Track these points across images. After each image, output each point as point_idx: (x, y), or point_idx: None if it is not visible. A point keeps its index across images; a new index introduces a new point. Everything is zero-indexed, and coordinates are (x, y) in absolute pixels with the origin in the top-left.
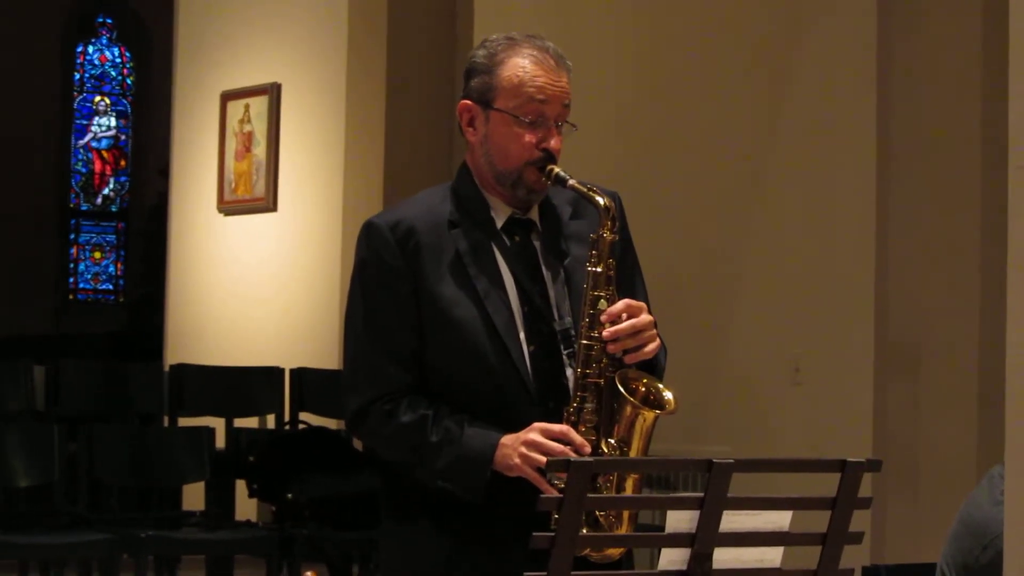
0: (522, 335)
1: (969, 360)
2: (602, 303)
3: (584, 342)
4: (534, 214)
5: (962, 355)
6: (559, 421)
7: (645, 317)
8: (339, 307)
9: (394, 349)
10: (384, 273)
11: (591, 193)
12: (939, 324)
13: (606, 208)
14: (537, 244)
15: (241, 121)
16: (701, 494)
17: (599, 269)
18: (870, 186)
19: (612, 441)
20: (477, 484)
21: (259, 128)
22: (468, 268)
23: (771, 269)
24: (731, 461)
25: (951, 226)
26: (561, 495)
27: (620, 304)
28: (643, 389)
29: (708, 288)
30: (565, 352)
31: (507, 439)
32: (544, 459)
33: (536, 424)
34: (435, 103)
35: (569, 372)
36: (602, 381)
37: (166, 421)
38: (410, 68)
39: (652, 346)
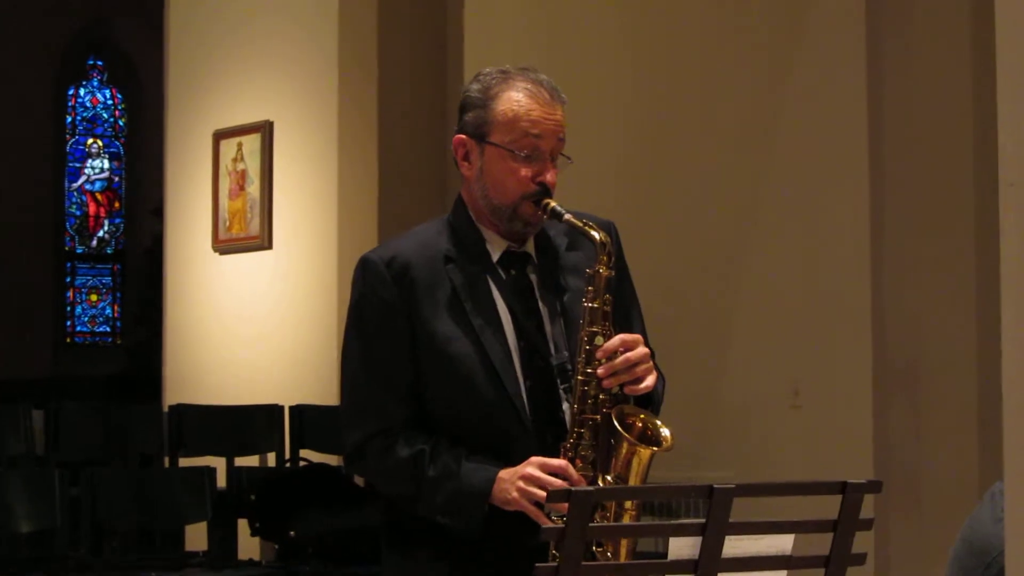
0: (519, 370)
1: (968, 378)
2: (598, 339)
3: (580, 378)
4: (530, 247)
5: (961, 373)
6: (557, 456)
7: (641, 350)
8: (336, 343)
9: (391, 384)
10: (380, 309)
11: (587, 228)
12: (937, 342)
13: (602, 243)
14: (533, 277)
15: (234, 159)
16: (703, 520)
17: (595, 305)
18: (863, 207)
19: (609, 478)
20: (475, 518)
21: (252, 166)
22: (464, 303)
23: (767, 294)
24: (732, 486)
25: (946, 243)
26: (562, 526)
27: (616, 339)
28: (640, 425)
29: (705, 314)
30: (562, 387)
31: (504, 473)
32: (542, 493)
33: (534, 458)
34: (427, 137)
35: (566, 406)
36: (598, 417)
37: (167, 462)
38: (401, 103)
39: (649, 380)
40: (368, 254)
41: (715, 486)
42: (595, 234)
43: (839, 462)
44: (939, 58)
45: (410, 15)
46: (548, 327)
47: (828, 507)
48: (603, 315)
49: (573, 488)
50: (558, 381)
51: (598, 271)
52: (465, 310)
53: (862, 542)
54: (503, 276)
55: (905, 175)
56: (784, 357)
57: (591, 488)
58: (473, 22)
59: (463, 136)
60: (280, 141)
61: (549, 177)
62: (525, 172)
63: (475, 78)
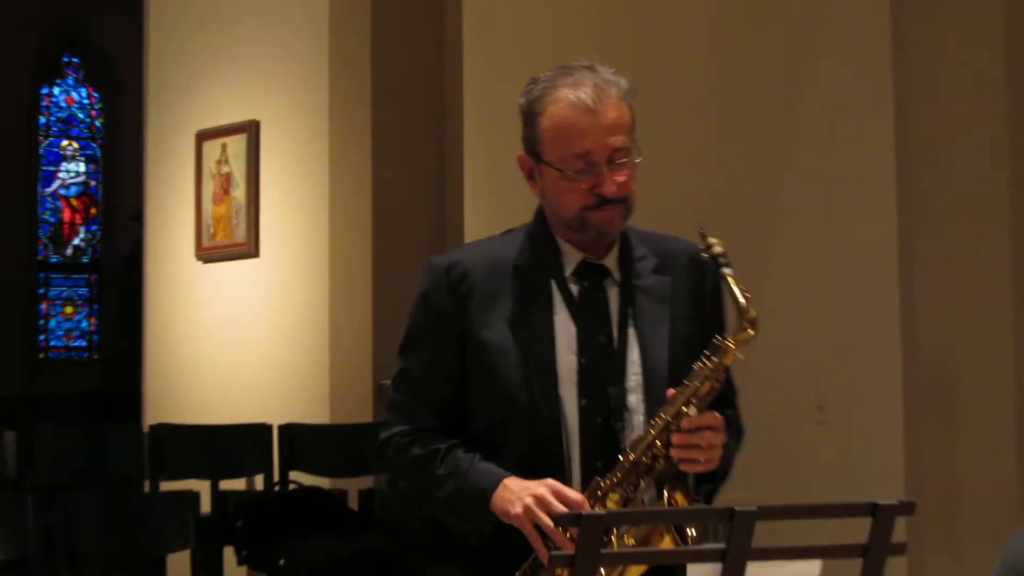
0: (575, 388)
1: (1005, 390)
2: (692, 408)
3: (652, 432)
4: (611, 261)
5: (998, 384)
6: (588, 486)
7: (721, 437)
8: (328, 358)
9: (421, 397)
10: (428, 317)
11: (736, 294)
12: (971, 352)
13: (750, 319)
14: (610, 293)
15: (218, 162)
16: (723, 545)
17: (707, 376)
18: (890, 208)
19: (626, 541)
20: (477, 518)
21: (238, 169)
22: (521, 315)
23: (789, 303)
24: (754, 509)
25: (980, 247)
26: (571, 552)
27: (709, 416)
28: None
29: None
30: (616, 423)
31: (512, 482)
32: (548, 521)
33: (550, 481)
34: (425, 137)
35: (626, 433)
36: (643, 482)
37: (147, 486)
38: (397, 101)
39: (712, 464)
40: (432, 259)
41: (736, 508)
42: (743, 301)
43: (868, 482)
44: (970, 48)
45: (406, 7)
46: (616, 348)
47: (857, 530)
48: (709, 392)
49: (583, 513)
50: (612, 415)
51: (728, 345)
52: (521, 322)
53: (894, 568)
54: (573, 289)
55: (935, 175)
56: (808, 370)
57: (603, 512)
58: (472, 17)
59: (524, 155)
60: (267, 142)
61: (607, 188)
62: (583, 186)
63: (525, 87)
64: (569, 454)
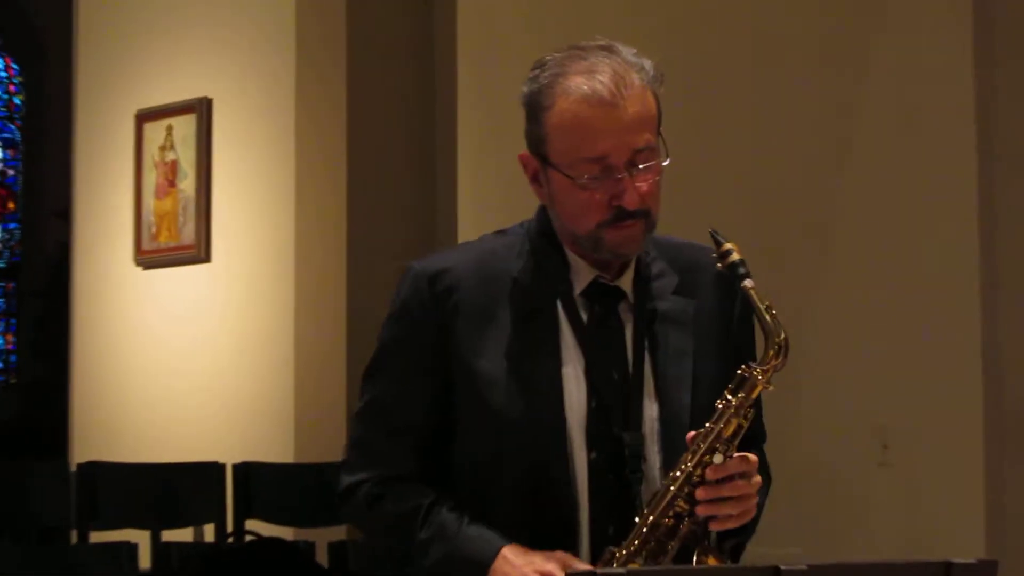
0: (582, 438)
1: None
2: (717, 456)
3: (671, 486)
4: (626, 281)
5: None
6: (601, 557)
7: (755, 482)
8: (292, 384)
9: (396, 432)
10: (410, 334)
11: (765, 314)
12: None
13: (777, 344)
14: (626, 321)
15: (162, 148)
16: None
17: (732, 415)
18: (970, 215)
19: None
20: None
21: (185, 156)
22: (520, 342)
23: (849, 324)
24: (803, 567)
25: None
26: None
27: (736, 462)
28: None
29: None
30: (631, 473)
31: (512, 552)
32: None
33: (559, 553)
34: (412, 118)
35: (642, 489)
36: (669, 546)
37: (74, 537)
38: (378, 75)
39: (747, 515)
40: (413, 264)
41: (782, 567)
42: (772, 325)
43: (941, 535)
44: None
45: None
46: (636, 389)
47: None
48: (735, 433)
49: (599, 571)
50: (628, 467)
51: (756, 376)
52: (520, 351)
53: None
54: (583, 314)
55: (1023, 179)
56: (870, 402)
57: (623, 570)
58: None
59: (527, 153)
60: (221, 124)
61: (628, 198)
62: (599, 196)
63: (530, 73)
64: (578, 517)
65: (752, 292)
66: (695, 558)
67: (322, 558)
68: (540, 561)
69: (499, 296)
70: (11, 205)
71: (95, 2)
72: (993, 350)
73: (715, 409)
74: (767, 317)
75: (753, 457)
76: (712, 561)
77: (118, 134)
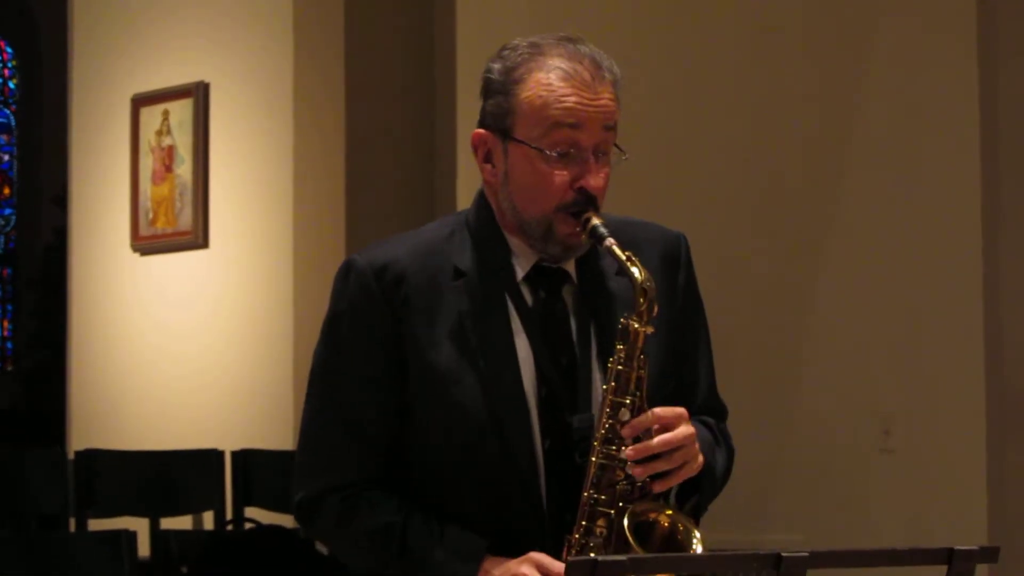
0: (536, 427)
1: None
2: (623, 412)
3: (595, 459)
4: (569, 264)
5: None
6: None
7: (683, 431)
8: (292, 370)
9: (359, 431)
10: (359, 331)
11: (629, 263)
12: None
13: (642, 287)
14: (570, 304)
15: (159, 133)
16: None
17: (622, 368)
18: (973, 199)
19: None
20: None
21: (182, 141)
22: (471, 333)
23: (850, 308)
24: (805, 554)
25: None
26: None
27: (649, 415)
28: (665, 524)
29: (772, 334)
30: (580, 459)
31: (492, 566)
32: None
33: (533, 555)
34: (410, 103)
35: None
36: (613, 512)
37: (73, 524)
38: (376, 58)
39: (690, 467)
40: (354, 257)
41: (784, 553)
42: (635, 272)
43: (943, 522)
44: None
45: None
46: (583, 372)
47: None
48: (636, 382)
49: (599, 558)
50: (577, 450)
51: (631, 325)
52: (472, 344)
53: None
54: (528, 299)
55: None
56: (870, 387)
57: (622, 557)
58: None
59: (483, 130)
60: (218, 109)
61: (591, 181)
62: (560, 176)
63: (498, 53)
64: (542, 507)
65: (615, 247)
66: (625, 523)
67: (321, 546)
68: (515, 566)
69: (445, 287)
70: (6, 191)
71: None
72: (995, 337)
73: (609, 372)
74: (628, 265)
75: (678, 410)
76: (646, 507)
77: (114, 119)
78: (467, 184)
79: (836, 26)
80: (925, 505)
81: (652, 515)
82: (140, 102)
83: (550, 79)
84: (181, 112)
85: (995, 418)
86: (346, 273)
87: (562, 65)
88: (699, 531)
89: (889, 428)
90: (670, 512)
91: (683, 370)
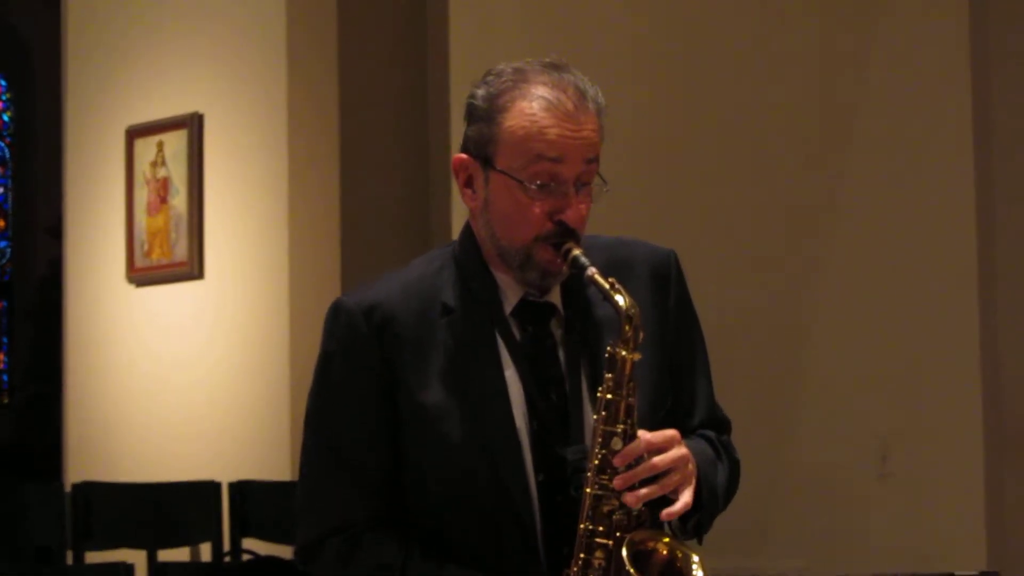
0: (528, 461)
1: None
2: (615, 441)
3: (589, 490)
4: (555, 296)
5: None
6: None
7: (675, 453)
8: (288, 401)
9: (357, 473)
10: (351, 373)
11: (612, 292)
12: None
13: (627, 315)
14: (558, 336)
15: (153, 164)
16: None
17: (611, 396)
18: (968, 221)
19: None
20: None
21: (177, 172)
22: (460, 371)
23: (848, 335)
24: None
25: None
26: None
27: (639, 443)
28: (663, 553)
29: (770, 359)
30: (573, 488)
31: None
32: None
33: None
34: (404, 134)
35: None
36: (611, 543)
37: (70, 557)
38: (371, 88)
39: (685, 496)
40: (343, 299)
41: None
42: (620, 300)
43: (942, 547)
44: None
45: None
46: (574, 404)
47: None
48: (626, 409)
49: None
50: (571, 482)
51: (618, 352)
52: (461, 380)
53: None
54: (516, 334)
55: (1021, 179)
56: (869, 414)
57: None
58: None
59: (465, 156)
60: (213, 140)
61: (571, 214)
62: (539, 208)
63: (483, 78)
64: (537, 542)
65: (596, 277)
66: (624, 552)
67: None
68: None
69: (434, 325)
70: (1, 223)
71: (84, 17)
72: (992, 362)
73: (598, 403)
74: (612, 293)
75: (668, 433)
76: (643, 536)
77: (109, 150)
78: (462, 212)
79: (833, 30)
80: (924, 530)
81: (650, 544)
82: (135, 133)
83: (533, 109)
84: (176, 143)
85: (993, 443)
86: (335, 315)
87: (546, 95)
88: (699, 556)
89: (887, 453)
90: (668, 540)
91: (681, 385)
